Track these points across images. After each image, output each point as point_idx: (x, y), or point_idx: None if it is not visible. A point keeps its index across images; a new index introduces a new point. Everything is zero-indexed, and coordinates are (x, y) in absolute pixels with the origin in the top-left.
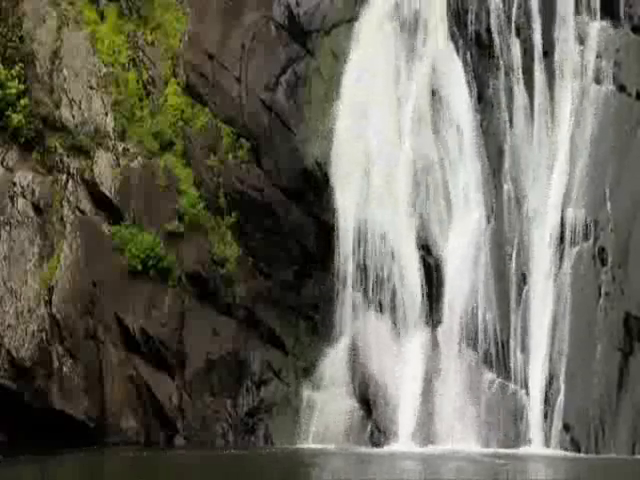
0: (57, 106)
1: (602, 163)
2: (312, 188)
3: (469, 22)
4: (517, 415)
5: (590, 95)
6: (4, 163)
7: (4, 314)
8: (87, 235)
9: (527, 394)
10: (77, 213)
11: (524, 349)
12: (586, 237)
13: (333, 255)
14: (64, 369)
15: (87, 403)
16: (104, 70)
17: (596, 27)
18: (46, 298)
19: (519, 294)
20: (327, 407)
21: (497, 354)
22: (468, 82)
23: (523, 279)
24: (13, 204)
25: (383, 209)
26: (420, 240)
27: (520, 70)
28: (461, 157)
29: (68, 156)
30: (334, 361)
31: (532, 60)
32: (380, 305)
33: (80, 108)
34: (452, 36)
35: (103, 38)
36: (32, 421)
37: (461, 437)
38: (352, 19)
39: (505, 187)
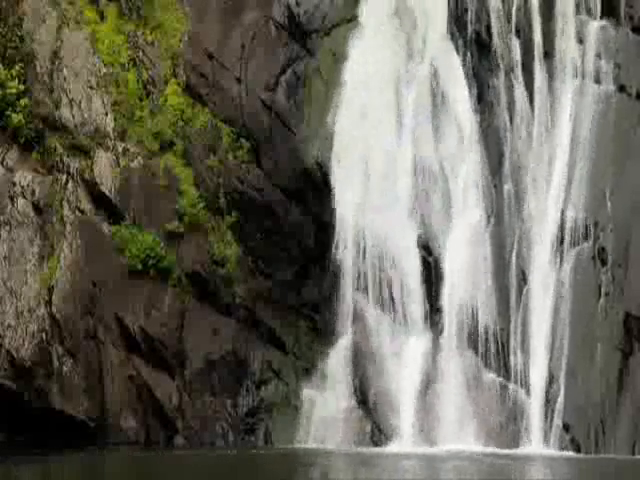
0: (57, 106)
1: (602, 163)
2: (312, 188)
3: (469, 22)
4: (517, 415)
5: (590, 95)
6: (4, 163)
7: (4, 314)
8: (87, 235)
9: (527, 394)
10: (77, 213)
11: (524, 349)
12: (586, 237)
13: (333, 255)
14: (64, 369)
15: (87, 403)
16: (104, 70)
17: (596, 27)
18: (46, 298)
19: (519, 294)
20: (327, 407)
21: (497, 354)
22: (468, 82)
23: (523, 279)
24: (13, 204)
25: (383, 209)
26: (420, 240)
27: (520, 70)
28: (461, 157)
29: (68, 156)
30: (334, 361)
31: (532, 60)
32: (380, 305)
33: (80, 108)
34: (452, 36)
35: (103, 38)
36: (32, 421)
37: (461, 437)
38: (352, 19)
39: (505, 187)
